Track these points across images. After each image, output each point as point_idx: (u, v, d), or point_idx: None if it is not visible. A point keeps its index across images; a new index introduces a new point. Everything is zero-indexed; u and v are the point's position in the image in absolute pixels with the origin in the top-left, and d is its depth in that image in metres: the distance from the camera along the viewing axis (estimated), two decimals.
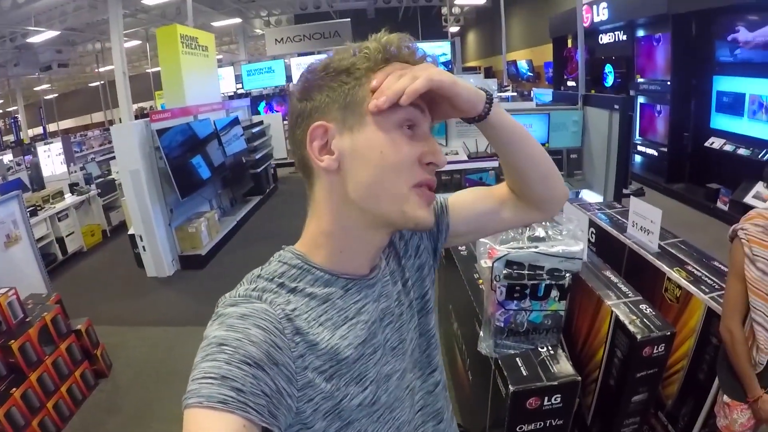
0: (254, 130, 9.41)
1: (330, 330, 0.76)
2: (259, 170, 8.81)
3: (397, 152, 0.74)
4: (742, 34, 6.49)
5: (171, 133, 5.72)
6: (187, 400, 0.59)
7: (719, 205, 6.79)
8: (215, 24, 14.75)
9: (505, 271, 1.81)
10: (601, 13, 9.48)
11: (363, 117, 0.74)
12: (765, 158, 6.22)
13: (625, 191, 4.84)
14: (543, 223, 1.95)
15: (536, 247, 1.84)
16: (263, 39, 17.37)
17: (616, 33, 9.69)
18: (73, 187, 7.43)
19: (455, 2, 17.13)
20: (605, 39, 10.12)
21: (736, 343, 1.80)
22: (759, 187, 6.20)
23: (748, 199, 6.22)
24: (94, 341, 3.90)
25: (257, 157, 8.88)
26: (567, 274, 1.87)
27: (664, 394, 2.46)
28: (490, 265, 1.81)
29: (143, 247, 5.64)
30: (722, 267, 2.50)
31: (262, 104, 13.16)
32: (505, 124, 0.86)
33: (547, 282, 1.86)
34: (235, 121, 8.03)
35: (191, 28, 7.35)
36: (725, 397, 1.94)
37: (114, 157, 9.00)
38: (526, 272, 1.83)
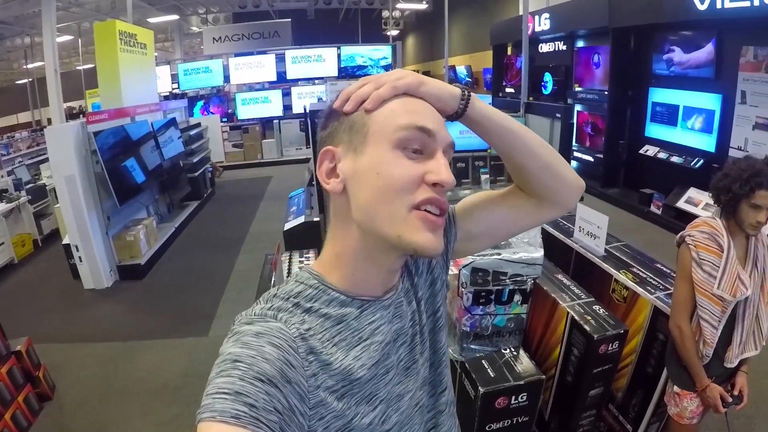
0: (192, 132, 9.14)
1: (344, 351, 0.77)
2: (196, 174, 8.55)
3: (394, 172, 0.73)
4: (678, 55, 6.90)
5: (108, 136, 5.43)
6: (200, 415, 0.59)
7: (653, 209, 7.15)
8: (151, 20, 14.21)
9: (471, 278, 1.86)
10: (543, 23, 9.80)
11: (366, 137, 0.74)
12: (697, 166, 6.63)
13: None
14: None
15: (499, 254, 1.91)
16: (200, 37, 16.97)
17: (557, 43, 10.05)
18: (2, 194, 7.00)
19: (396, 6, 17.27)
20: (545, 48, 10.47)
21: (685, 338, 1.95)
22: (691, 192, 6.59)
23: (681, 204, 6.60)
24: (35, 362, 3.60)
25: (195, 160, 8.63)
26: (528, 279, 1.95)
27: (614, 387, 2.58)
28: (457, 272, 1.85)
29: (79, 257, 5.31)
30: (665, 269, 2.67)
31: (199, 104, 12.85)
32: (488, 117, 0.85)
33: (511, 287, 1.93)
34: (172, 123, 7.77)
35: (130, 24, 7.06)
36: (675, 388, 2.08)
37: (44, 161, 8.58)
38: (491, 278, 1.89)
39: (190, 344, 4.07)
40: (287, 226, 4.03)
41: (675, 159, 7.04)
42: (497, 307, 1.96)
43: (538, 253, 1.95)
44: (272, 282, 2.68)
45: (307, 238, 3.83)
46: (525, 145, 0.90)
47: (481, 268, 1.87)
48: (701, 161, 6.61)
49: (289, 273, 2.78)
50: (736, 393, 2.00)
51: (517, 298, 1.97)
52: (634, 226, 6.94)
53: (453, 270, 1.89)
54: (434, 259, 0.98)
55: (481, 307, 1.93)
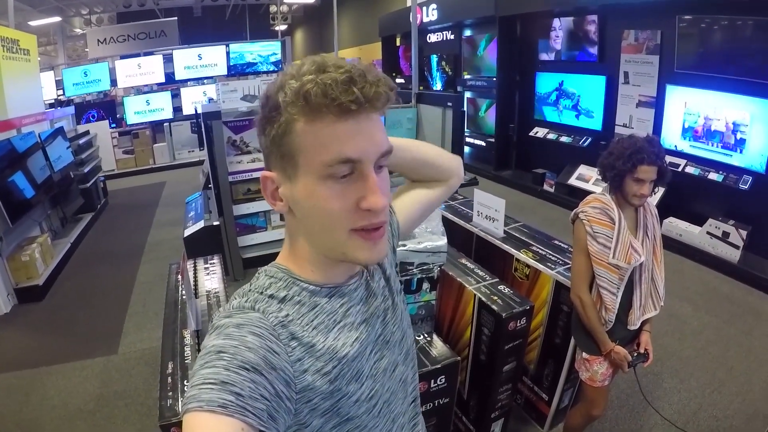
0: (80, 141, 8.61)
1: (323, 333, 0.80)
2: (88, 185, 8.07)
3: (327, 205, 0.74)
4: (562, 40, 7.31)
5: None
6: (187, 405, 0.61)
7: (546, 187, 7.54)
8: (32, 23, 13.15)
9: None
10: (431, 14, 10.01)
11: (297, 168, 0.75)
12: (585, 144, 7.06)
13: None
14: None
15: (404, 245, 1.96)
16: (84, 39, 15.97)
17: (445, 33, 10.29)
18: None
19: (284, 0, 17.05)
20: (434, 38, 10.70)
21: (586, 306, 2.10)
22: (581, 169, 7.02)
23: (572, 181, 7.02)
24: None
25: (86, 170, 8.15)
26: (435, 267, 2.01)
27: (526, 360, 2.74)
28: None
29: None
30: (562, 245, 2.85)
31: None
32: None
33: (419, 276, 1.98)
34: (60, 132, 7.28)
35: (12, 30, 6.51)
36: (584, 354, 2.22)
37: None
38: (398, 269, 1.93)
39: (101, 364, 3.86)
40: (187, 232, 3.92)
41: (564, 139, 7.45)
42: (407, 296, 2.01)
43: (442, 242, 2.02)
44: (180, 292, 2.62)
45: (209, 244, 3.75)
46: (430, 165, 1.13)
47: None
48: (589, 139, 7.04)
49: (195, 281, 2.72)
50: (642, 351, 2.16)
51: (426, 285, 2.04)
52: (529, 206, 7.28)
53: None
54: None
55: None
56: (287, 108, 0.73)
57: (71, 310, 4.91)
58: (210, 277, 2.77)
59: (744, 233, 4.87)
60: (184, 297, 2.51)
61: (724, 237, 5.00)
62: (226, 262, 3.65)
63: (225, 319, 0.74)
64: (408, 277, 1.98)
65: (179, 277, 2.79)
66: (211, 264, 2.95)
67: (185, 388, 1.78)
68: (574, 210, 2.19)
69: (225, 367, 0.63)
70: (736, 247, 4.91)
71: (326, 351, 0.79)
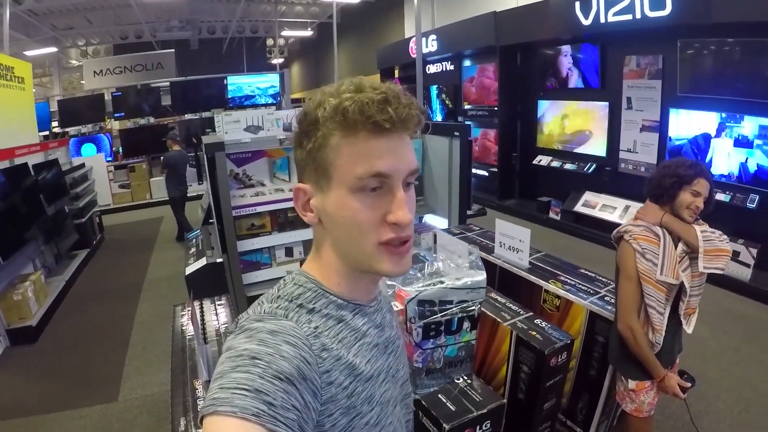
0: (76, 174, 8.51)
1: (347, 348, 0.82)
2: (83, 220, 7.94)
3: (356, 217, 0.78)
4: (563, 68, 7.37)
5: None
6: (216, 407, 0.61)
7: (551, 215, 7.49)
8: (28, 53, 13.19)
9: (419, 311, 1.78)
10: (431, 45, 10.11)
11: (330, 180, 0.79)
12: (590, 171, 7.04)
13: (468, 212, 5.09)
14: (441, 258, 1.97)
15: (442, 282, 1.85)
16: (80, 71, 15.99)
17: (444, 63, 10.36)
18: None
19: (281, 34, 17.23)
20: (433, 69, 10.77)
21: (637, 335, 2.06)
22: (587, 195, 7.01)
23: (578, 208, 6.98)
24: None
25: (81, 205, 8.03)
26: (475, 304, 1.90)
27: None
28: (402, 307, 1.77)
29: None
30: (590, 273, 2.76)
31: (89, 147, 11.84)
32: None
33: (459, 315, 1.86)
34: (55, 164, 7.16)
35: (6, 57, 6.45)
36: (630, 384, 2.20)
37: None
38: (438, 308, 1.83)
39: (100, 412, 3.65)
40: (189, 270, 3.79)
41: (568, 166, 7.43)
42: (447, 338, 1.89)
43: (481, 276, 1.91)
44: (187, 337, 2.46)
45: (213, 282, 3.60)
46: None
47: (427, 299, 1.79)
48: (594, 166, 7.02)
49: (203, 325, 2.55)
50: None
51: (466, 325, 1.91)
52: (535, 234, 7.04)
53: (398, 305, 1.79)
54: None
55: (431, 340, 1.84)
56: (325, 123, 0.78)
57: (67, 352, 4.71)
58: (219, 319, 2.61)
59: (754, 251, 4.98)
60: (192, 343, 2.35)
61: (735, 256, 5.02)
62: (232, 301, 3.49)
63: (257, 323, 0.75)
64: (448, 317, 1.85)
65: (185, 320, 2.63)
66: (219, 305, 2.79)
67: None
68: (617, 230, 2.22)
69: (260, 375, 0.64)
70: (747, 265, 5.02)
71: (347, 366, 0.80)
